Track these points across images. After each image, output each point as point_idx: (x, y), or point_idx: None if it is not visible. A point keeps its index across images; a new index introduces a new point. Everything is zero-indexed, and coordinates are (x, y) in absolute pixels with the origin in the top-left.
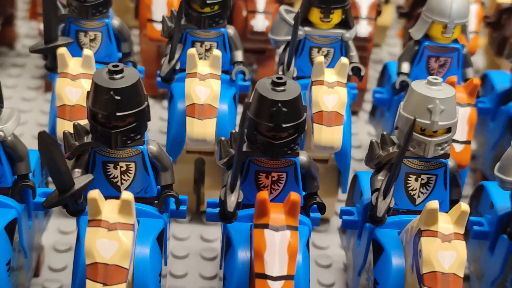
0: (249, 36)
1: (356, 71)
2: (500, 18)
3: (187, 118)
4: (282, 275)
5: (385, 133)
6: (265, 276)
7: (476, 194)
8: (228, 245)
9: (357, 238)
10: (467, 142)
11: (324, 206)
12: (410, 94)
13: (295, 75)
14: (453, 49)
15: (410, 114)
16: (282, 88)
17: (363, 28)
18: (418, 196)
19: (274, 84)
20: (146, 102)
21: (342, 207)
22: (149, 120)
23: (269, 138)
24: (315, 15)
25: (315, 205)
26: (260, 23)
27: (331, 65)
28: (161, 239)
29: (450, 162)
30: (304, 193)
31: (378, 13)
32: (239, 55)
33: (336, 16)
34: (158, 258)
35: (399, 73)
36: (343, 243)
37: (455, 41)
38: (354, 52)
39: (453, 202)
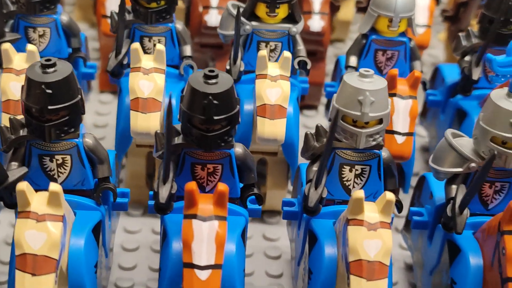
0: (203, 31)
1: (302, 64)
2: (458, 12)
3: (131, 112)
4: (210, 265)
5: (319, 124)
6: (192, 266)
7: (418, 185)
8: (164, 236)
9: (297, 229)
10: (409, 134)
11: (261, 197)
12: (343, 86)
13: (242, 69)
14: (400, 42)
15: (342, 106)
16: (213, 81)
17: (315, 23)
18: (353, 187)
19: (206, 77)
20: (79, 96)
21: (284, 198)
22: (83, 113)
23: (202, 130)
24: (261, 9)
25: (254, 196)
26: (213, 18)
27: (278, 59)
28: (97, 231)
29: (384, 153)
30: (241, 184)
31: (337, 8)
32: (187, 50)
33: (282, 11)
34: (94, 249)
35: (347, 67)
36: (289, 234)
37: (402, 34)
38: (301, 46)
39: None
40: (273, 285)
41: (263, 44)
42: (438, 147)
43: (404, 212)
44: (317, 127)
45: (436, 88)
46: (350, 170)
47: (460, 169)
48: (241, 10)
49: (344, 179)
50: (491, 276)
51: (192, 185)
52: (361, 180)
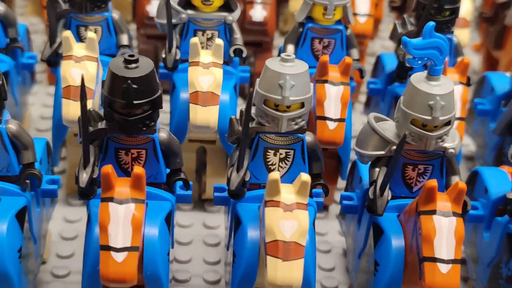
0: (247, 26)
1: (238, 53)
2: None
3: (63, 100)
4: (126, 247)
5: (243, 109)
6: (108, 248)
7: (351, 170)
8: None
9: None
10: (341, 120)
11: (188, 182)
12: (265, 70)
13: (178, 57)
14: (336, 30)
15: (264, 91)
16: (133, 65)
17: (257, 13)
18: (278, 171)
19: (126, 61)
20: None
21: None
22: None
23: (123, 115)
24: None
25: (181, 182)
26: (258, 13)
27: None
28: (22, 216)
29: (308, 137)
30: (168, 169)
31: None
32: (124, 39)
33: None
34: (18, 234)
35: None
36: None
37: (339, 22)
38: (238, 35)
39: (315, 176)
40: (209, 271)
41: (199, 33)
42: (361, 131)
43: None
44: (241, 112)
45: (378, 77)
46: (275, 154)
47: (382, 152)
48: None
49: (269, 163)
50: (412, 258)
51: (107, 168)
52: (286, 164)
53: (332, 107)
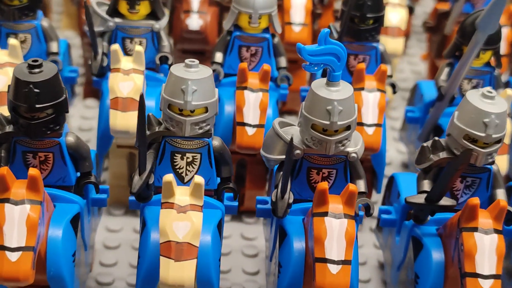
0: (185, 35)
1: (164, 60)
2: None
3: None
4: (20, 246)
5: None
6: (4, 248)
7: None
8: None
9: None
10: (260, 126)
11: (97, 185)
12: (169, 76)
13: (104, 64)
14: (263, 38)
15: (168, 95)
16: (37, 70)
17: (194, 22)
18: (186, 174)
19: (30, 67)
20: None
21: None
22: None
23: (27, 119)
24: (123, 6)
25: (91, 185)
26: (194, 22)
27: (145, 55)
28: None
29: (214, 141)
30: (78, 173)
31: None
32: (54, 46)
33: (144, 8)
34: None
35: (212, 63)
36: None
37: (266, 30)
38: (165, 43)
39: (225, 179)
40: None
41: (127, 41)
42: (267, 136)
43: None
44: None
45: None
46: (182, 158)
47: (283, 156)
48: (106, 7)
49: (176, 167)
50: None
51: (2, 170)
52: (193, 167)
53: (251, 113)
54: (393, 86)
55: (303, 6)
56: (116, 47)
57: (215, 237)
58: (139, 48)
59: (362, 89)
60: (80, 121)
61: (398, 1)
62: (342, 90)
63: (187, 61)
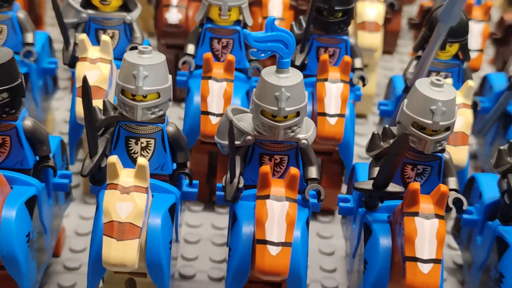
0: (165, 29)
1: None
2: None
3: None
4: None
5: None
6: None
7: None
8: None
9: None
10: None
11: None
12: (123, 62)
13: (77, 54)
14: (234, 31)
15: (121, 81)
16: None
17: (173, 16)
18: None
19: None
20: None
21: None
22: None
23: None
24: None
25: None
26: (173, 16)
27: (117, 46)
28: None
29: (169, 127)
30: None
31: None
32: (29, 37)
33: (115, 0)
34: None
35: (185, 54)
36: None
37: (237, 22)
38: (138, 34)
39: (181, 165)
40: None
41: (100, 32)
42: (220, 122)
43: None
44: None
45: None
46: (136, 143)
47: (238, 142)
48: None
49: (131, 152)
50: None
51: None
52: (148, 152)
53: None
54: (362, 79)
55: (281, 2)
56: (83, 36)
57: (165, 221)
58: (105, 38)
59: (326, 79)
60: (65, 113)
61: None
62: (291, 77)
63: (140, 47)
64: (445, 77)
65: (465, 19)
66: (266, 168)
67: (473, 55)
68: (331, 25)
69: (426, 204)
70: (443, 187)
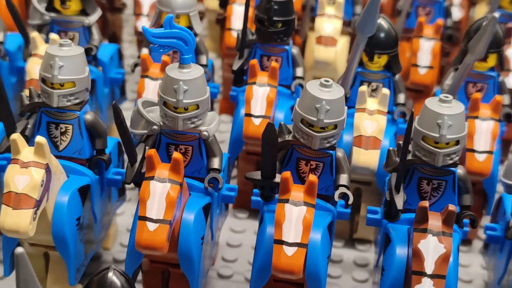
0: (138, 37)
1: (88, 51)
2: None
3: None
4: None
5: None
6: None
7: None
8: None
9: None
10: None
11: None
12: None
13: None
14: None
15: (42, 71)
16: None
17: (143, 24)
18: (60, 144)
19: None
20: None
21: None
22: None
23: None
24: (56, 2)
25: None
26: (144, 24)
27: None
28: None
29: (86, 115)
30: None
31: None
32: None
33: (75, 4)
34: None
35: (138, 57)
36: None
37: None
38: (96, 37)
39: (99, 151)
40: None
41: (62, 34)
42: (132, 113)
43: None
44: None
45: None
46: (56, 128)
47: (145, 131)
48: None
49: (52, 136)
50: None
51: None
52: (67, 137)
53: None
54: (300, 86)
55: (430, 49)
56: (34, 34)
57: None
58: (54, 36)
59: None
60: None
61: (334, 12)
62: (192, 72)
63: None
64: (376, 87)
65: (394, 32)
66: (287, 174)
67: (422, 71)
68: (272, 35)
69: (296, 193)
70: (311, 177)
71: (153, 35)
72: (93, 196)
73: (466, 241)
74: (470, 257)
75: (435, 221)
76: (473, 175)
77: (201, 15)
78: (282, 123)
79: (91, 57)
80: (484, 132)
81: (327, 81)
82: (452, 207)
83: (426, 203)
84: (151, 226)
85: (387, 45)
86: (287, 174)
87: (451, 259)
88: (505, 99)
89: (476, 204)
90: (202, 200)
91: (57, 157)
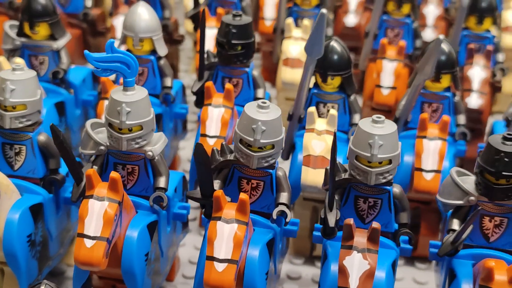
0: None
1: (55, 75)
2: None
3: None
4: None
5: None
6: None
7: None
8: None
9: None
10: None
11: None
12: None
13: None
14: (147, 60)
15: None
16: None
17: (287, 74)
18: (15, 163)
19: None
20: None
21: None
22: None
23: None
24: (26, 28)
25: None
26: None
27: (47, 71)
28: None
29: (39, 136)
30: None
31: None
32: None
33: (43, 29)
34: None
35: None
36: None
37: (152, 52)
38: (64, 60)
39: (52, 171)
40: None
41: (33, 58)
42: (83, 135)
43: None
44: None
45: None
46: (11, 149)
47: (93, 151)
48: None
49: (7, 156)
50: None
51: None
52: (21, 157)
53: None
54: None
55: (393, 70)
56: (1, 59)
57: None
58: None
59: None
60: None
61: (301, 35)
62: (136, 94)
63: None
64: (332, 107)
65: (346, 55)
66: (218, 192)
67: (385, 91)
68: (232, 58)
69: (229, 210)
70: (242, 196)
71: (96, 59)
72: (47, 213)
73: (425, 258)
74: (428, 274)
75: (360, 238)
76: (421, 193)
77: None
78: (224, 143)
79: (58, 80)
80: (432, 152)
81: (264, 103)
82: (376, 225)
83: (351, 221)
84: (88, 243)
85: (340, 67)
86: (219, 192)
87: (383, 275)
88: (460, 118)
89: (433, 222)
90: (148, 217)
91: (12, 176)
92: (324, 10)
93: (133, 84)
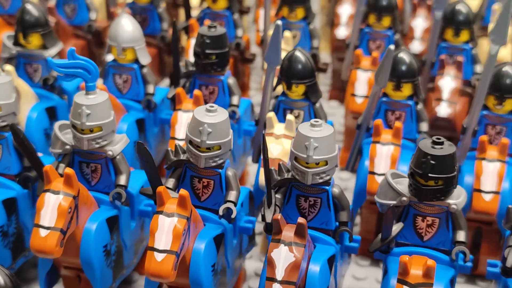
0: None
1: (45, 81)
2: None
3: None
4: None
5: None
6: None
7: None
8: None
9: None
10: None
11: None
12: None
13: None
14: (130, 68)
15: None
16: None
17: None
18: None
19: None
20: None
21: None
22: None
23: None
24: (20, 37)
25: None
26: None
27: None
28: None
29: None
30: None
31: None
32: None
33: (36, 39)
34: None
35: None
36: None
37: (135, 61)
38: (54, 73)
39: (26, 168)
40: None
41: (28, 66)
42: (52, 136)
43: None
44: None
45: None
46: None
47: (61, 150)
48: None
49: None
50: None
51: None
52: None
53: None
54: (234, 113)
55: (366, 80)
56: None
57: (323, 269)
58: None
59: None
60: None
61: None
62: (96, 97)
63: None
64: (298, 114)
65: (310, 64)
66: (161, 188)
67: (359, 100)
68: (207, 66)
69: (170, 205)
70: (182, 191)
71: (58, 65)
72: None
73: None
74: None
75: (288, 232)
76: (479, 214)
77: None
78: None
79: (49, 86)
80: (491, 173)
81: (212, 107)
82: (301, 220)
83: (278, 216)
84: (43, 232)
85: (303, 75)
86: (161, 188)
87: (318, 268)
88: (423, 126)
89: (494, 242)
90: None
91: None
92: (279, 22)
93: (94, 88)
